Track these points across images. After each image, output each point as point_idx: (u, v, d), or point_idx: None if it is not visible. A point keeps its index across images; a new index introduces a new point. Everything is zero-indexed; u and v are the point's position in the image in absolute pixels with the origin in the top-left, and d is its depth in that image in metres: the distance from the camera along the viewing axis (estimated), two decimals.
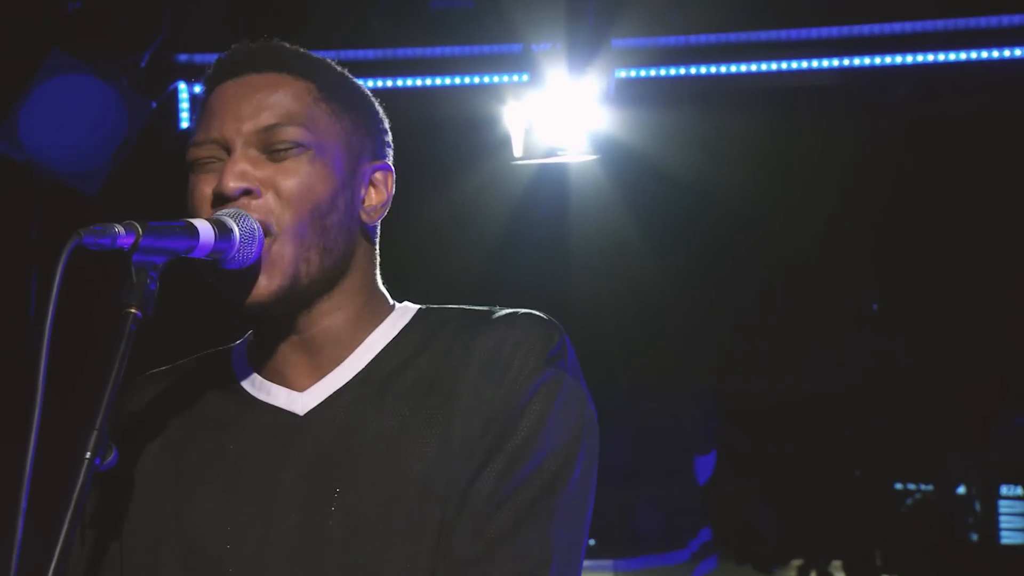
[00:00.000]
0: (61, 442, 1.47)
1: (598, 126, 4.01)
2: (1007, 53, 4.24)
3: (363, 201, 1.54)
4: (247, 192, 1.45)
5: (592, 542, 6.53)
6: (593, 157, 4.02)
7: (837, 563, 5.77)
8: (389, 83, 4.09)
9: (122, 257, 1.36)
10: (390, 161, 1.60)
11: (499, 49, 4.03)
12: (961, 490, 5.76)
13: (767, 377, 5.35)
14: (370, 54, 4.10)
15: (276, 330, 1.52)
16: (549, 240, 4.22)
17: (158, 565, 1.51)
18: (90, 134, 3.82)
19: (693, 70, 4.10)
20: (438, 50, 4.08)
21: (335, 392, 1.50)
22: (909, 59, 4.28)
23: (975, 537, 5.69)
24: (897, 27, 4.25)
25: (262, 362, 1.54)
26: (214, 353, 1.60)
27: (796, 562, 5.86)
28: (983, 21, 4.21)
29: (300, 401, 1.50)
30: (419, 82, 4.08)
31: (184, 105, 4.26)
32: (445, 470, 1.43)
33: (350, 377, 1.51)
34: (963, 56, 4.25)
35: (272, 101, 1.49)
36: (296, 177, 1.47)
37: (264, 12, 4.19)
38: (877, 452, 5.65)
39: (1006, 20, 4.20)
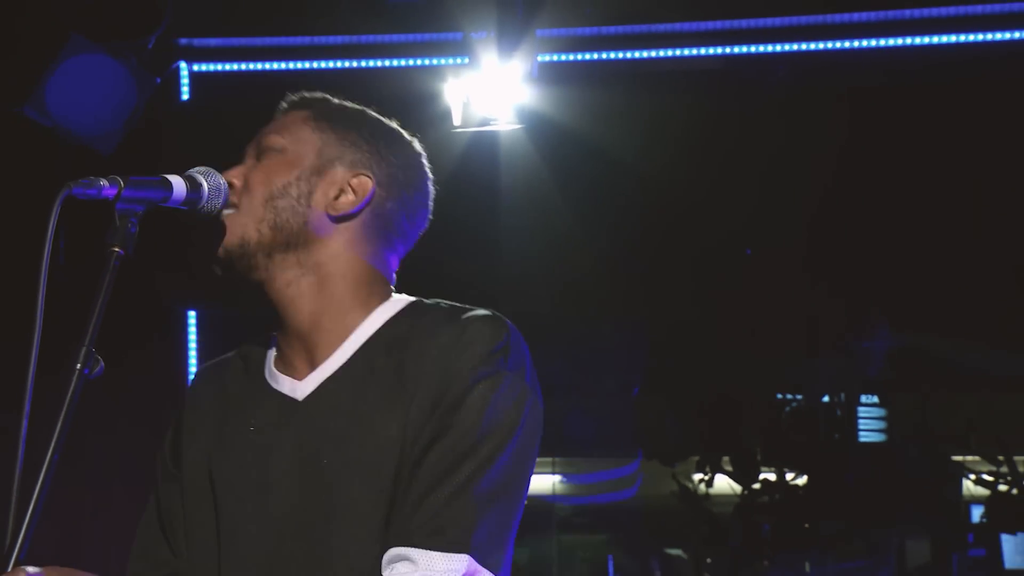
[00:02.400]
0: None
1: (523, 101, 4.00)
2: (866, 43, 4.25)
3: (333, 198, 1.48)
4: (232, 183, 1.47)
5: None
6: (519, 126, 4.01)
7: (726, 458, 5.77)
8: (352, 64, 4.02)
9: (108, 206, 1.35)
10: (384, 178, 1.52)
11: (443, 37, 4.00)
12: (826, 399, 5.79)
13: (678, 311, 5.30)
14: (338, 39, 4.05)
15: (280, 325, 1.50)
16: (483, 194, 4.20)
17: (201, 513, 1.49)
18: (105, 104, 3.76)
19: (602, 55, 4.07)
20: (393, 37, 4.05)
21: (325, 380, 1.47)
22: (784, 47, 4.23)
23: (837, 436, 5.72)
24: (776, 21, 4.18)
25: (278, 353, 1.52)
26: (264, 338, 1.56)
27: (694, 458, 5.87)
28: (847, 16, 4.16)
29: (299, 389, 1.47)
30: (376, 63, 4.04)
31: (184, 81, 4.19)
32: (400, 453, 1.40)
33: (337, 367, 1.47)
34: (831, 45, 4.22)
35: (276, 126, 1.53)
36: (261, 170, 1.48)
37: (251, 4, 4.16)
38: (760, 369, 5.62)
39: (864, 16, 4.18)
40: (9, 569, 1.20)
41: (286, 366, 1.49)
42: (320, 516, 1.41)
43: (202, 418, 1.54)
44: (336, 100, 1.56)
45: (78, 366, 1.28)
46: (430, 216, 1.59)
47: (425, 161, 1.59)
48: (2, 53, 3.86)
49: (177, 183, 1.40)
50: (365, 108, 1.58)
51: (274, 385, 1.49)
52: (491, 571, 1.37)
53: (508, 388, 1.40)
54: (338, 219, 1.48)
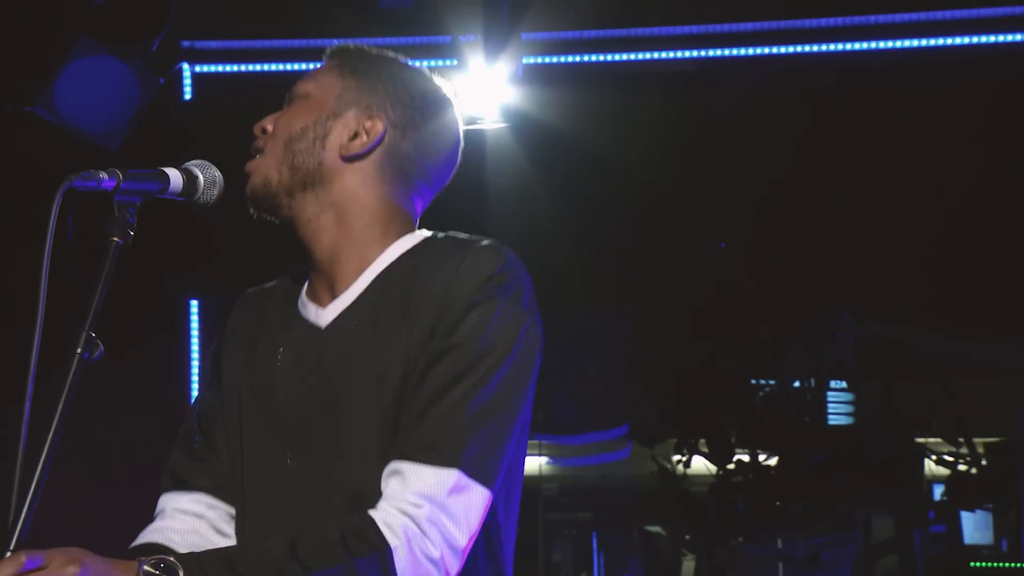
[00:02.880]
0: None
1: (508, 101, 4.02)
2: (835, 47, 4.26)
3: (347, 140, 1.48)
4: (265, 130, 1.50)
5: None
6: (504, 125, 4.02)
7: (703, 441, 5.74)
8: None
9: (107, 198, 1.34)
10: (400, 118, 1.51)
11: (433, 40, 4.01)
12: (797, 384, 5.78)
13: (657, 300, 5.26)
14: (333, 42, 4.07)
15: (307, 259, 1.51)
16: (470, 189, 4.20)
17: (230, 428, 1.53)
18: (111, 103, 3.77)
19: (584, 58, 4.09)
20: (384, 40, 3.99)
21: (345, 309, 1.48)
22: (757, 51, 4.25)
23: (808, 419, 5.72)
24: (749, 26, 4.21)
25: (308, 284, 1.53)
26: (302, 270, 1.58)
27: (672, 440, 5.84)
28: (821, 21, 4.19)
29: (323, 317, 1.49)
30: None
31: (187, 81, 4.18)
32: (404, 374, 1.41)
33: (355, 297, 1.48)
34: (802, 49, 4.23)
35: (308, 76, 1.54)
36: (286, 116, 1.50)
37: (250, 11, 4.16)
38: (735, 356, 5.64)
39: (835, 21, 4.18)
40: (11, 549, 1.19)
41: (313, 296, 1.51)
42: (331, 432, 1.44)
43: (240, 341, 1.57)
44: (370, 49, 1.57)
45: (78, 350, 1.28)
46: (459, 158, 1.60)
47: (455, 108, 1.59)
48: (13, 54, 3.86)
49: (174, 175, 1.40)
50: (398, 56, 1.58)
51: (303, 312, 1.51)
52: (483, 484, 1.36)
53: (503, 312, 1.40)
54: (350, 159, 1.49)
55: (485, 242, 1.46)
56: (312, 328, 1.50)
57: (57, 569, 1.18)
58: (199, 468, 1.54)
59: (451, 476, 1.34)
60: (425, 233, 1.53)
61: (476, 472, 1.35)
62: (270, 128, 1.50)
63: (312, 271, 1.53)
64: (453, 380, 1.37)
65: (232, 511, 1.53)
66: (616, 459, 6.03)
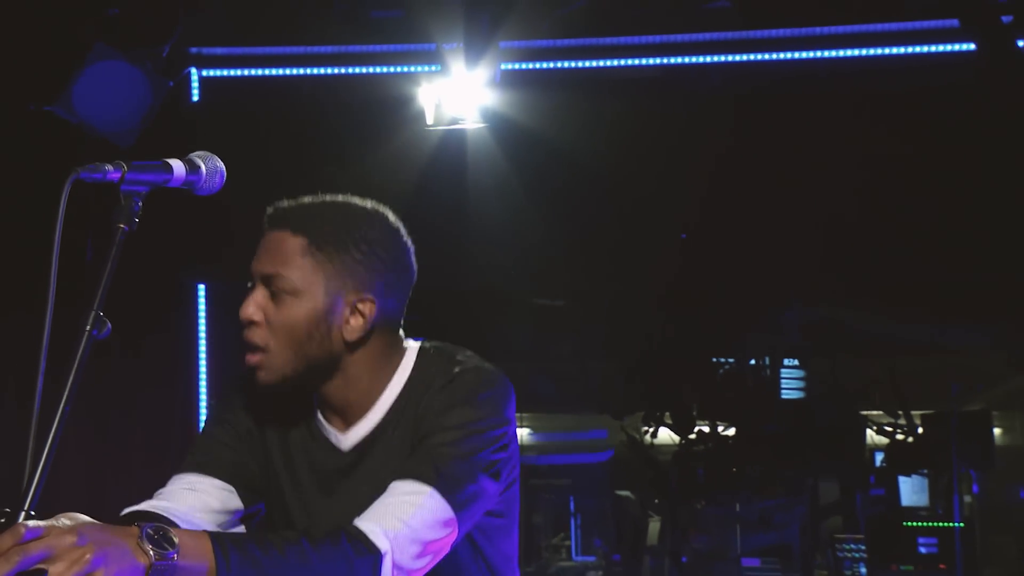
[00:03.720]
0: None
1: (487, 103, 4.00)
2: (785, 55, 4.27)
3: (344, 324, 1.46)
4: (253, 321, 1.45)
5: None
6: (483, 126, 4.01)
7: (667, 413, 5.80)
8: (339, 71, 4.02)
9: (113, 188, 1.30)
10: (381, 288, 1.48)
11: (419, 47, 3.99)
12: (753, 362, 5.87)
13: (625, 287, 5.29)
14: (327, 49, 4.03)
15: (317, 395, 1.50)
16: (452, 185, 4.17)
17: (274, 511, 1.52)
18: (124, 104, 3.75)
19: (558, 64, 4.10)
20: (374, 47, 4.03)
21: (365, 436, 1.48)
22: (719, 59, 4.26)
23: (763, 394, 5.78)
24: (711, 35, 4.22)
25: (319, 406, 1.52)
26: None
27: (640, 413, 5.89)
28: (773, 32, 4.20)
29: (344, 441, 1.49)
30: (360, 70, 4.03)
31: (194, 84, 4.18)
32: None
33: (374, 426, 1.48)
34: (757, 57, 4.27)
35: (275, 253, 1.46)
36: (282, 316, 1.45)
37: (252, 20, 4.14)
38: (698, 336, 5.67)
39: (785, 32, 4.19)
40: (24, 511, 1.14)
41: (328, 419, 1.51)
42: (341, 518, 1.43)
43: (267, 418, 1.54)
44: (329, 212, 1.48)
45: (88, 328, 1.25)
46: (415, 269, 1.55)
47: (403, 234, 1.52)
48: (34, 59, 3.84)
49: (177, 166, 1.36)
50: (349, 201, 1.50)
51: (324, 432, 1.51)
52: (452, 508, 1.37)
53: (486, 404, 1.43)
54: (361, 341, 1.47)
55: (476, 364, 1.47)
56: (333, 448, 1.50)
57: (56, 538, 1.12)
58: (222, 459, 1.52)
59: (426, 490, 1.36)
60: (415, 348, 1.52)
61: (449, 495, 1.37)
62: (258, 319, 1.45)
63: (322, 405, 1.51)
64: (440, 433, 1.41)
65: (240, 505, 1.51)
66: (597, 460, 6.03)
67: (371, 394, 1.49)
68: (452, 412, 1.42)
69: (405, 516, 1.34)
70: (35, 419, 1.17)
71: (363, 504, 1.41)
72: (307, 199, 1.50)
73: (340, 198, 1.51)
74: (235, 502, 1.52)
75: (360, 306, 1.47)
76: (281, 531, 1.34)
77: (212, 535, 1.23)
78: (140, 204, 1.31)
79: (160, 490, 1.51)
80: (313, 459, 1.51)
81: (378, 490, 1.42)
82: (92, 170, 1.28)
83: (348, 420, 1.49)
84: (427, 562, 1.37)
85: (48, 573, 1.09)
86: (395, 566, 1.32)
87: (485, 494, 1.43)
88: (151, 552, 1.17)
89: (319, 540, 1.28)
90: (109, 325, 1.27)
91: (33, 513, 1.14)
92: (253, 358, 1.47)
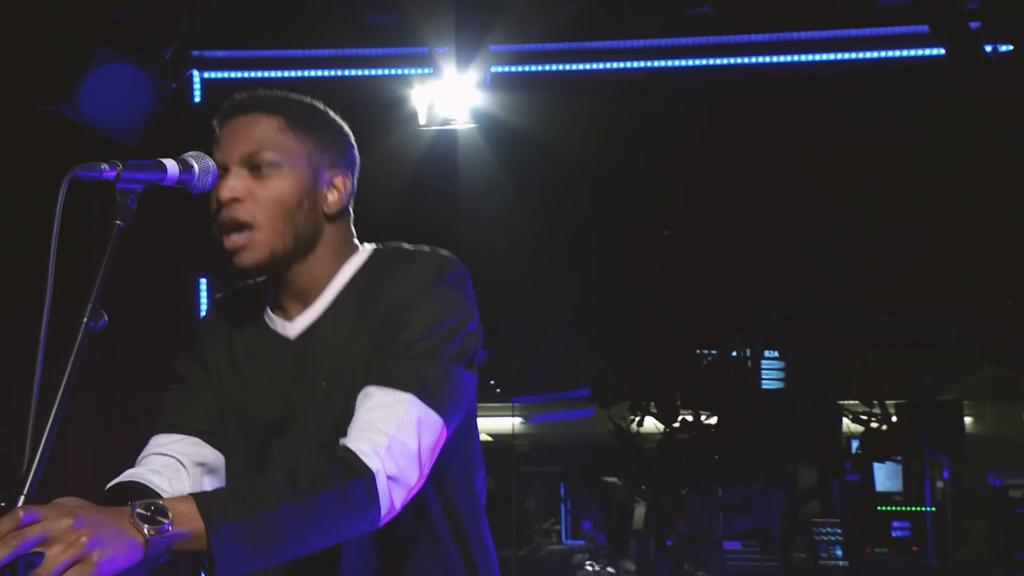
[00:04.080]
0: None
1: (477, 104, 4.01)
2: (763, 59, 4.28)
3: (324, 199, 1.45)
4: (235, 199, 1.41)
5: (498, 390, 6.55)
6: (474, 126, 4.01)
7: (652, 403, 5.80)
8: (337, 73, 4.02)
9: (110, 187, 1.29)
10: (352, 164, 1.49)
11: (412, 51, 3.99)
12: (734, 354, 5.86)
13: (613, 282, 5.31)
14: (325, 52, 4.05)
15: (276, 283, 1.48)
16: (444, 182, 4.19)
17: (226, 418, 1.50)
18: (129, 105, 3.75)
19: (545, 67, 4.09)
20: (370, 50, 4.04)
21: (313, 322, 1.46)
22: (699, 62, 4.26)
23: (744, 384, 5.75)
24: (692, 40, 4.21)
25: (273, 300, 1.50)
26: (264, 283, 1.54)
27: (626, 402, 5.89)
28: (751, 36, 4.21)
29: (291, 329, 1.47)
30: (357, 73, 4.04)
31: (196, 86, 4.17)
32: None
33: (323, 311, 1.46)
34: (736, 61, 4.27)
35: (251, 134, 1.43)
36: (271, 190, 1.42)
37: (252, 23, 4.16)
38: (681, 328, 5.69)
39: (763, 36, 4.19)
40: (24, 495, 1.13)
41: (279, 309, 1.50)
42: (301, 409, 1.43)
43: (221, 341, 1.54)
44: (293, 98, 1.49)
45: (85, 319, 1.24)
46: None
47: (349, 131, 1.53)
48: (43, 62, 3.84)
49: (171, 165, 1.36)
50: (313, 101, 1.51)
51: (272, 326, 1.50)
52: (435, 411, 1.34)
53: (447, 295, 1.40)
54: (335, 218, 1.48)
55: (427, 249, 1.45)
56: (282, 339, 1.48)
57: (53, 521, 1.10)
58: (190, 413, 1.51)
59: (406, 398, 1.33)
60: (370, 247, 1.52)
61: (429, 398, 1.34)
62: (242, 195, 1.41)
63: (278, 287, 1.49)
64: (409, 329, 1.38)
65: (219, 456, 1.50)
66: (581, 416, 6.04)
67: (327, 277, 1.47)
68: (419, 304, 1.39)
69: (390, 428, 1.31)
70: (34, 407, 1.17)
71: (316, 391, 1.40)
72: (262, 91, 1.49)
73: None
74: (209, 452, 1.50)
75: (336, 181, 1.47)
76: (268, 473, 1.29)
77: (196, 496, 1.22)
78: (135, 202, 1.30)
79: (140, 456, 1.51)
80: (262, 353, 1.48)
81: (330, 377, 1.40)
82: (89, 169, 1.27)
83: (302, 303, 1.47)
84: (423, 468, 1.33)
85: (45, 556, 1.08)
86: (390, 479, 1.29)
87: (466, 386, 1.40)
88: (146, 529, 1.16)
89: (307, 476, 1.25)
90: (106, 317, 1.26)
91: (32, 498, 1.13)
92: (239, 239, 1.42)
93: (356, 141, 1.57)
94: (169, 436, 1.52)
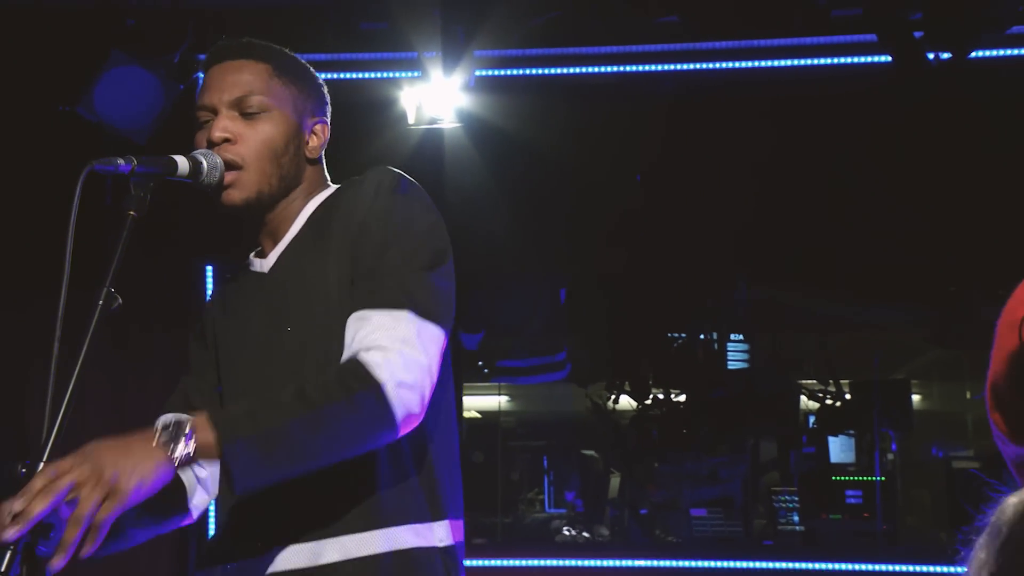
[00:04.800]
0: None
1: (462, 105, 4.03)
2: (726, 65, 4.28)
3: (307, 144, 1.45)
4: (226, 140, 1.40)
5: (486, 370, 6.56)
6: (459, 125, 4.04)
7: (627, 382, 5.87)
8: (332, 76, 3.99)
9: (124, 180, 1.32)
10: (327, 114, 1.50)
11: (402, 55, 4.00)
12: (702, 337, 5.93)
13: (588, 269, 5.30)
14: (321, 56, 4.01)
15: (257, 224, 1.48)
16: (431, 177, 4.18)
17: (212, 361, 1.50)
18: (139, 105, 3.76)
19: (525, 71, 4.10)
20: (363, 55, 4.05)
21: (281, 253, 1.46)
22: (668, 67, 4.25)
23: (712, 365, 5.85)
24: (662, 47, 4.21)
25: (254, 246, 1.52)
26: (254, 240, 1.54)
27: (603, 382, 5.96)
28: (715, 44, 4.20)
29: (265, 264, 1.47)
30: (351, 76, 4.04)
31: None
32: (336, 282, 1.38)
33: (288, 242, 1.46)
34: (702, 66, 4.27)
35: (241, 78, 1.42)
36: (260, 132, 1.41)
37: (253, 31, 4.16)
38: (654, 314, 5.71)
39: (726, 44, 4.19)
40: (43, 461, 1.14)
41: (260, 252, 1.51)
42: (281, 336, 1.41)
43: (213, 307, 1.55)
44: (278, 48, 1.48)
45: (100, 302, 1.25)
46: None
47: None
48: (60, 65, 3.86)
49: (181, 161, 1.37)
50: (293, 53, 1.51)
51: (252, 268, 1.51)
52: (432, 321, 1.32)
53: (406, 200, 1.39)
54: (314, 163, 1.48)
55: (384, 167, 1.44)
56: (259, 276, 1.50)
57: (76, 468, 1.11)
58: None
59: (403, 315, 1.32)
60: (337, 185, 1.51)
61: (423, 311, 1.33)
62: (232, 137, 1.41)
63: (259, 228, 1.50)
64: (383, 247, 1.35)
65: None
66: (557, 378, 6.05)
67: (297, 212, 1.47)
68: (382, 220, 1.35)
69: (395, 344, 1.29)
70: (52, 381, 1.19)
71: (291, 304, 1.39)
72: (247, 38, 1.49)
73: None
74: None
75: (316, 128, 1.47)
76: (280, 391, 1.26)
77: (211, 414, 1.22)
78: (148, 194, 1.31)
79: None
80: (242, 291, 1.49)
81: (296, 300, 1.38)
82: (105, 163, 1.29)
83: (275, 239, 1.46)
84: (433, 376, 1.31)
85: (79, 500, 1.09)
86: (402, 386, 1.27)
87: (449, 289, 1.38)
88: (170, 449, 1.16)
89: (317, 388, 1.23)
90: (119, 300, 1.27)
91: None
92: (228, 177, 1.41)
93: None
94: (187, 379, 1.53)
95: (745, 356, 5.94)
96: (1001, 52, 3.78)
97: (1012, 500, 0.92)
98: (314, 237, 1.44)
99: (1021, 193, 4.01)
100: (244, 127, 1.42)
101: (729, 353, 5.89)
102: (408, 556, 1.35)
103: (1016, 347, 0.97)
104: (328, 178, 1.54)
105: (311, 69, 1.51)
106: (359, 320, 1.33)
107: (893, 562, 3.98)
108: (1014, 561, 0.88)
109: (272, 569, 1.34)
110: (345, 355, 1.31)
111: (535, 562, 4.06)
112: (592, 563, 3.89)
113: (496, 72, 4.06)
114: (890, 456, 5.88)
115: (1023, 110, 3.91)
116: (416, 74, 3.95)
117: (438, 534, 1.39)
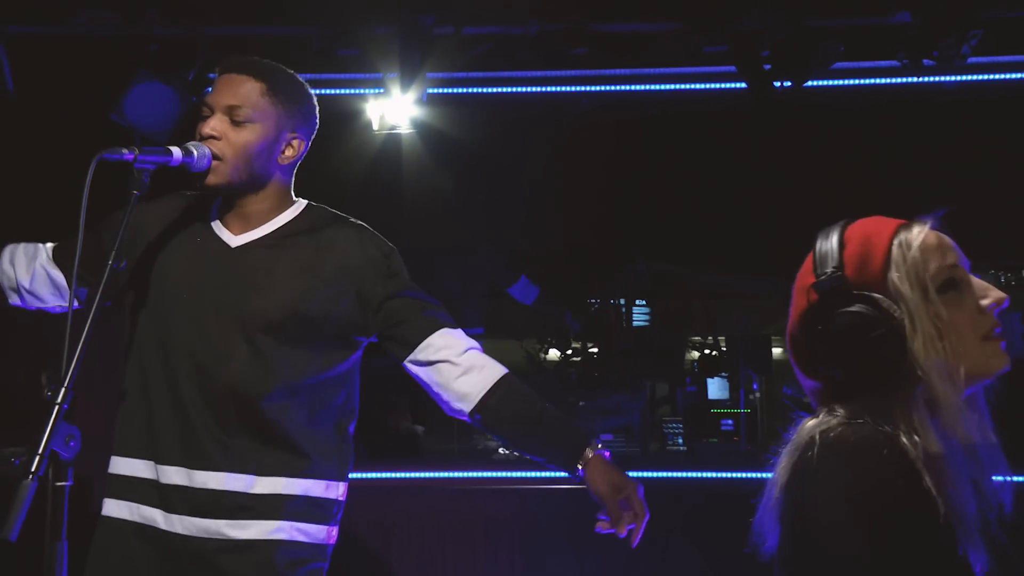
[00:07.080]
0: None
1: (416, 116, 4.13)
2: (622, 88, 4.34)
3: (281, 153, 1.47)
4: (213, 136, 1.45)
5: None
6: (413, 131, 4.13)
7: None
8: (316, 92, 3.99)
9: (129, 167, 1.33)
10: (310, 131, 1.50)
11: (368, 76, 4.07)
12: (612, 301, 6.06)
13: (522, 247, 5.38)
14: (305, 76, 3.94)
15: (229, 203, 1.49)
16: (391, 175, 4.27)
17: (149, 298, 1.45)
18: (160, 114, 3.81)
19: (468, 90, 4.18)
20: (340, 75, 4.12)
21: (252, 240, 1.47)
22: (582, 88, 4.33)
23: (620, 324, 6.01)
24: (577, 72, 4.30)
25: (221, 215, 1.50)
26: (210, 196, 1.53)
27: (534, 337, 6.05)
28: (617, 71, 4.29)
29: (234, 241, 1.48)
30: (328, 92, 4.08)
31: None
32: (309, 291, 1.41)
33: (262, 235, 1.47)
34: (620, 88, 4.35)
35: (237, 90, 1.46)
36: (242, 138, 1.45)
37: (251, 55, 4.16)
38: (575, 282, 5.86)
39: (624, 71, 4.29)
40: (65, 387, 1.11)
41: (226, 224, 1.50)
42: (240, 303, 1.43)
43: (158, 226, 1.49)
44: (278, 69, 1.50)
45: (110, 262, 1.26)
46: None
47: (316, 102, 1.53)
48: (98, 82, 3.91)
49: (176, 151, 1.40)
50: (292, 73, 1.53)
51: (217, 232, 1.49)
52: (456, 323, 1.48)
53: (400, 261, 1.51)
54: (284, 167, 1.50)
55: (364, 225, 1.49)
56: (223, 245, 1.50)
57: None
58: (72, 252, 1.45)
59: (455, 332, 1.50)
60: (303, 201, 1.53)
61: (454, 323, 1.52)
62: (219, 135, 1.44)
63: (230, 207, 1.51)
64: (416, 298, 1.49)
65: (57, 275, 1.46)
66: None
67: (271, 212, 1.49)
68: (401, 275, 1.49)
69: (467, 345, 1.47)
70: (68, 330, 1.19)
71: (252, 280, 1.42)
72: (256, 58, 1.50)
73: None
74: (60, 281, 1.48)
75: (293, 142, 1.50)
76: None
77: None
78: (149, 177, 1.33)
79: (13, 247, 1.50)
80: (202, 248, 1.46)
81: (252, 281, 1.38)
82: (112, 152, 1.31)
83: (246, 225, 1.45)
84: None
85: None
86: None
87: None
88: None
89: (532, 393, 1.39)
90: (125, 261, 1.31)
91: (70, 388, 1.15)
92: (211, 165, 1.45)
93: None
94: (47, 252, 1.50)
95: (646, 317, 6.11)
96: (828, 82, 4.04)
97: (808, 424, 0.97)
98: (289, 245, 1.47)
99: (839, 188, 4.26)
100: (230, 130, 1.45)
101: (634, 314, 6.06)
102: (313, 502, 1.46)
103: (805, 306, 1.05)
104: (292, 186, 1.53)
105: (306, 90, 1.53)
106: (436, 345, 1.47)
107: (753, 471, 4.19)
108: (797, 470, 0.94)
109: (213, 486, 1.40)
110: (460, 367, 1.45)
111: (475, 474, 4.13)
112: (518, 475, 4.07)
113: (444, 90, 4.15)
114: (755, 395, 6.10)
115: (842, 122, 4.16)
116: (380, 91, 4.02)
117: (340, 490, 1.52)
